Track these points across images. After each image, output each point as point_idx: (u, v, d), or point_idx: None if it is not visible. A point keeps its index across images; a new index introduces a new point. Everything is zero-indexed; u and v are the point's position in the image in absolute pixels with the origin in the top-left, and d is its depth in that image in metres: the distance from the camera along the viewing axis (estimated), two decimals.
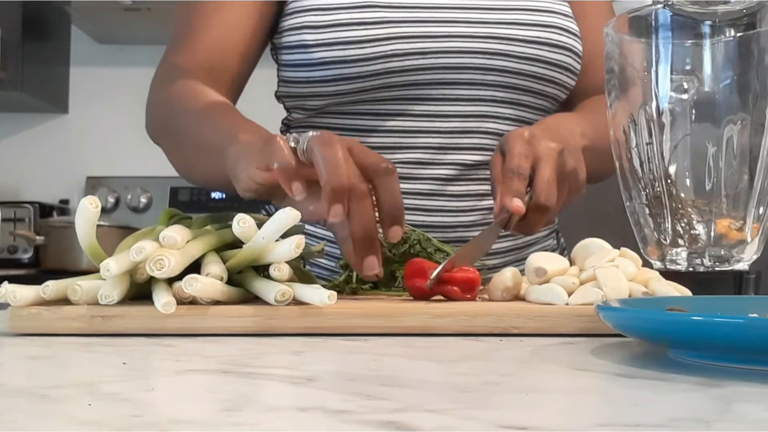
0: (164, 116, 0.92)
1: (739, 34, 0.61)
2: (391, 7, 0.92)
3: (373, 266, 0.66)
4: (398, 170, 0.92)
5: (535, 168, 0.74)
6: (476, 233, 0.94)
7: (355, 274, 0.73)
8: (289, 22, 0.93)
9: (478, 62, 0.92)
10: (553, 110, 1.00)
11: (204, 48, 0.92)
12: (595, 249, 0.66)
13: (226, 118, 0.82)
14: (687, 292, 0.62)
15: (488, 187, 0.94)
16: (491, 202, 0.95)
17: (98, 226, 0.59)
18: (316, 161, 0.64)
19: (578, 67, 0.97)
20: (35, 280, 0.60)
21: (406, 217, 0.92)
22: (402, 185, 0.93)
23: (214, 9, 0.94)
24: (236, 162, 0.71)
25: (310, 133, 0.66)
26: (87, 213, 0.58)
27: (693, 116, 0.62)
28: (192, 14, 0.95)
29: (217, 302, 0.58)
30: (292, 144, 0.66)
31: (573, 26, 0.97)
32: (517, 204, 0.72)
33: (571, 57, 0.96)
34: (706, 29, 0.61)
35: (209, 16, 0.94)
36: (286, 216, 0.58)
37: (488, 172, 0.94)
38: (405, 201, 0.93)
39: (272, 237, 0.59)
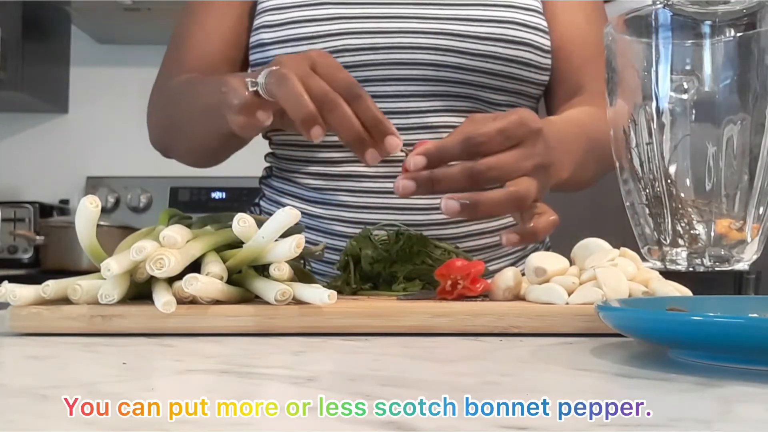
0: (163, 113, 0.96)
1: (739, 34, 0.61)
2: (344, 4, 0.92)
3: (375, 156, 0.70)
4: (362, 170, 0.92)
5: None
6: (452, 231, 0.93)
7: (354, 275, 0.73)
8: (253, 23, 0.97)
9: (430, 58, 0.91)
10: (519, 106, 0.95)
11: (192, 57, 0.98)
12: (595, 249, 0.66)
13: (212, 79, 0.85)
14: (687, 292, 0.62)
15: None
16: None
17: (98, 226, 0.59)
18: (279, 100, 0.68)
19: (543, 61, 0.94)
20: (35, 280, 0.59)
21: (378, 216, 0.92)
22: (369, 184, 0.93)
23: (197, 22, 1.00)
24: (225, 113, 0.73)
25: (266, 70, 0.69)
26: (87, 213, 0.58)
27: (693, 116, 0.62)
28: (177, 32, 1.02)
29: (217, 302, 0.58)
30: (251, 87, 0.69)
31: (533, 19, 0.94)
32: (448, 204, 0.67)
33: (530, 52, 0.93)
34: (706, 29, 0.61)
35: (193, 32, 0.99)
36: (286, 215, 0.58)
37: None
38: (374, 200, 0.93)
39: (272, 237, 0.59)
